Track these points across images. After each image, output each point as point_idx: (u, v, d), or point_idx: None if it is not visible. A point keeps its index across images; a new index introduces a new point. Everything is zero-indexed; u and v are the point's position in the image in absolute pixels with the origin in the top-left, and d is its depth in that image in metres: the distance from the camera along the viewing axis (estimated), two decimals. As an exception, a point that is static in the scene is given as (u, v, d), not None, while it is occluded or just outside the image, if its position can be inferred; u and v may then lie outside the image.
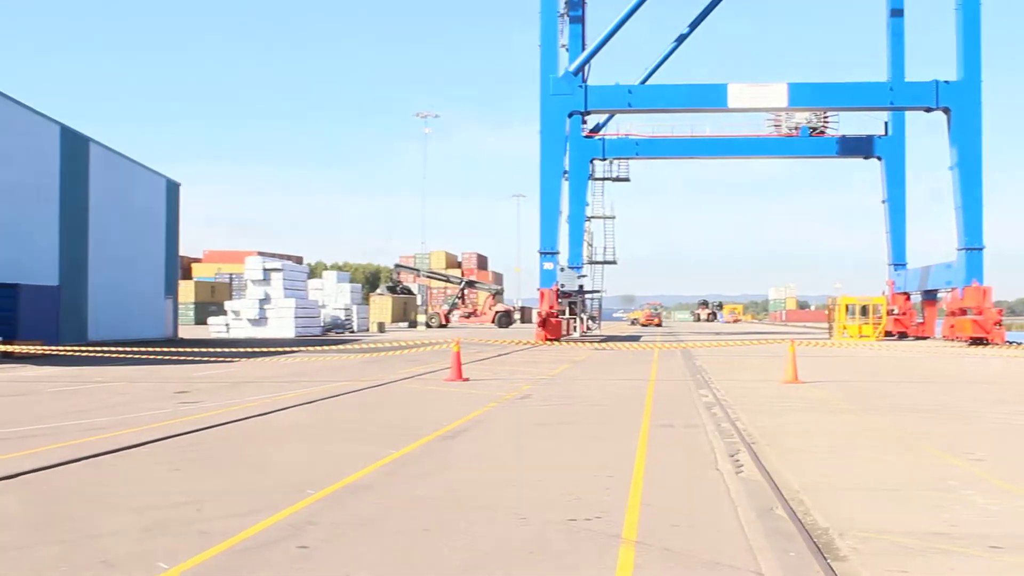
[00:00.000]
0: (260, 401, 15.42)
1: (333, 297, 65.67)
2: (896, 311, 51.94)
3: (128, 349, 27.45)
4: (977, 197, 42.38)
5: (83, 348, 26.82)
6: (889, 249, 54.87)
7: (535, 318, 49.49)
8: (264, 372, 23.09)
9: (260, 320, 53.91)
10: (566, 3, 51.21)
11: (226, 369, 23.90)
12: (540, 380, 20.43)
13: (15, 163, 31.78)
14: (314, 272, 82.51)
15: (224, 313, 56.96)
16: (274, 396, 16.34)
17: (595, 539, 6.30)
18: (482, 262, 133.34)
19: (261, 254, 61.08)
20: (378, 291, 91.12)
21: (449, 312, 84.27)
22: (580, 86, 44.30)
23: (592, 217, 63.38)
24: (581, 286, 52.51)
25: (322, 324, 60.14)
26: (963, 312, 41.94)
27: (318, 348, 35.69)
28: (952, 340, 42.65)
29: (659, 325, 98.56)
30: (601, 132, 58.19)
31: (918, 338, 49.62)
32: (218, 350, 28.53)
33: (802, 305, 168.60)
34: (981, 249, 42.18)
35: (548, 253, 44.30)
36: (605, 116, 55.52)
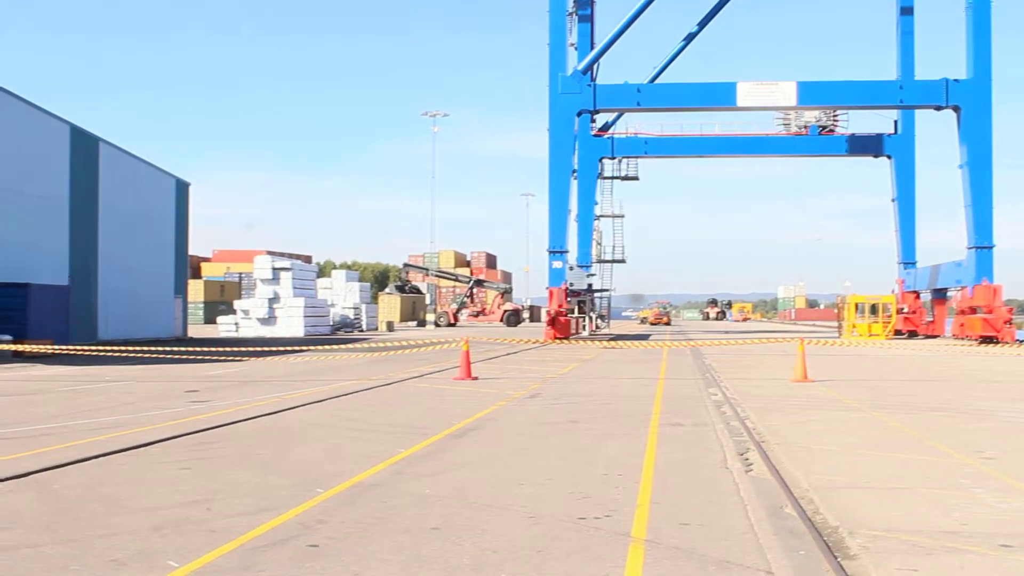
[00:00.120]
0: (269, 400, 15.45)
1: (342, 296, 65.71)
2: (906, 310, 51.72)
3: (138, 348, 27.57)
4: (987, 195, 42.29)
5: (93, 347, 26.90)
6: (899, 247, 54.73)
7: (544, 317, 49.44)
8: (273, 371, 23.14)
9: (269, 319, 54.01)
10: (575, 2, 51.04)
11: (236, 368, 23.95)
12: (549, 379, 20.43)
13: (25, 163, 31.90)
14: (323, 271, 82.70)
15: (233, 312, 57.02)
16: (283, 395, 16.38)
17: (605, 538, 6.30)
18: (491, 261, 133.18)
19: (270, 253, 61.16)
20: (387, 290, 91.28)
21: (458, 311, 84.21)
22: (589, 85, 44.24)
23: (601, 216, 63.41)
24: (590, 285, 52.40)
25: (331, 323, 60.26)
26: (973, 311, 41.79)
27: (327, 347, 35.74)
28: (962, 339, 42.47)
29: (668, 324, 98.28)
30: (610, 131, 58.19)
31: (928, 337, 49.39)
32: (228, 349, 28.65)
33: (812, 304, 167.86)
34: (991, 248, 42.08)
35: (557, 252, 44.26)
36: (614, 115, 55.47)
